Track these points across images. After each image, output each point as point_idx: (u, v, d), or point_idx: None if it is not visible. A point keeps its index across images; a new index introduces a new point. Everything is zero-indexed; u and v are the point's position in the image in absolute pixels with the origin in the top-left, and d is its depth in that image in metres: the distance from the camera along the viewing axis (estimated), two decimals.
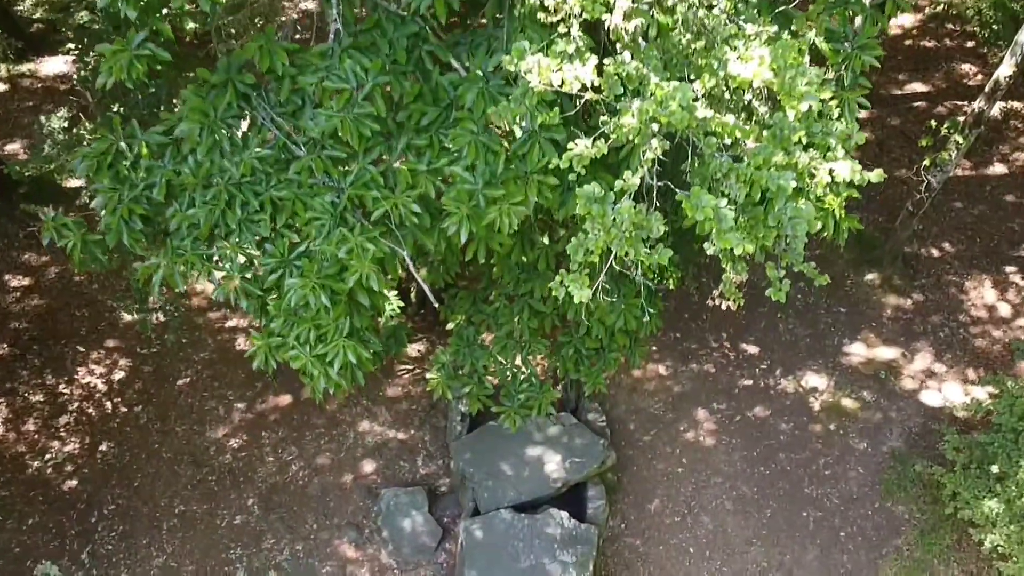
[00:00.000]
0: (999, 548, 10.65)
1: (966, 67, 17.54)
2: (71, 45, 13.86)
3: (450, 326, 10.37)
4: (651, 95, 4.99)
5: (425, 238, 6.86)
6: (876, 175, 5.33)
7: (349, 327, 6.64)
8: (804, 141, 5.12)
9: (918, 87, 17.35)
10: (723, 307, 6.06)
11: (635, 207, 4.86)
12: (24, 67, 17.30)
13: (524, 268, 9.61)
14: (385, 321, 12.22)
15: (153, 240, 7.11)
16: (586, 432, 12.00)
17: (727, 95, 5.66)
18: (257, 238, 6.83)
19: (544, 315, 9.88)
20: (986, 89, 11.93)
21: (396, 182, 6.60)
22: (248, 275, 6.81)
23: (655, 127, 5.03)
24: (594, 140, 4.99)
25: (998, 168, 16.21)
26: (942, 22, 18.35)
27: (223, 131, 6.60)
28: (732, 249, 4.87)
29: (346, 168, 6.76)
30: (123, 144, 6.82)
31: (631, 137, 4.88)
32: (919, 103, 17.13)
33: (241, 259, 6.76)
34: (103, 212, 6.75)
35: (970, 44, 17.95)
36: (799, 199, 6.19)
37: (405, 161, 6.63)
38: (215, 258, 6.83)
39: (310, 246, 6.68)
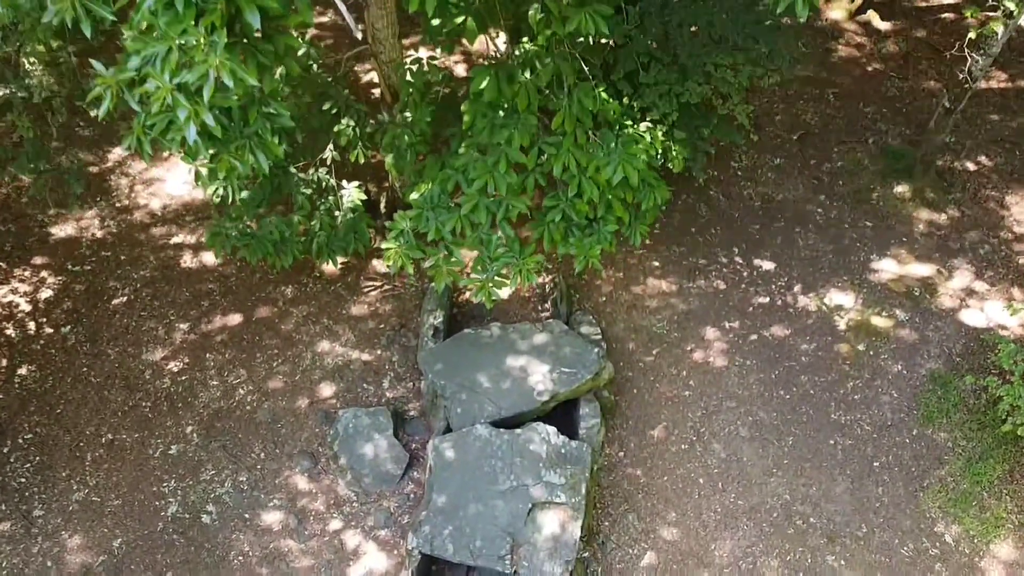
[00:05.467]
0: None
1: None
2: None
3: (414, 196, 8.61)
4: None
5: None
6: None
7: (226, 45, 4.85)
8: None
9: None
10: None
11: None
12: None
13: (500, 110, 7.94)
14: (344, 215, 10.55)
15: None
16: (578, 340, 10.21)
17: None
18: None
19: (525, 171, 8.18)
20: None
21: None
22: None
23: None
24: None
25: None
26: None
27: None
28: None
29: None
30: None
31: None
32: (946, 15, 15.56)
33: None
34: None
35: None
36: None
37: None
38: None
39: None
